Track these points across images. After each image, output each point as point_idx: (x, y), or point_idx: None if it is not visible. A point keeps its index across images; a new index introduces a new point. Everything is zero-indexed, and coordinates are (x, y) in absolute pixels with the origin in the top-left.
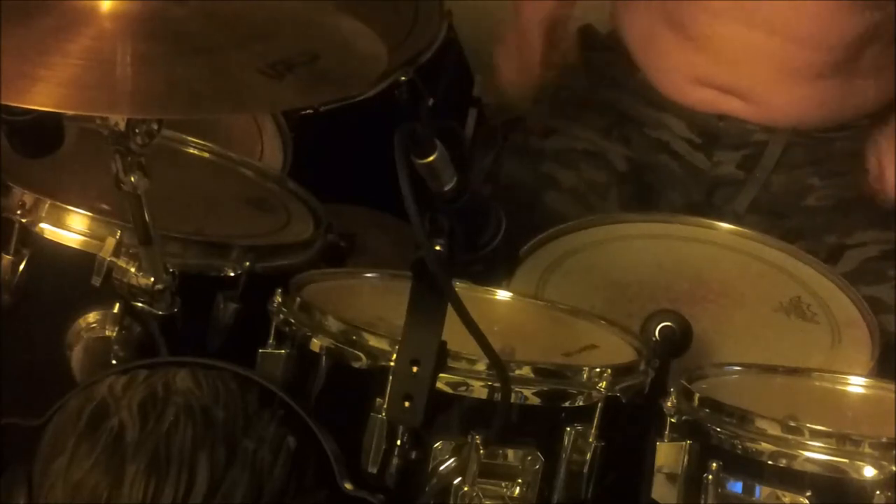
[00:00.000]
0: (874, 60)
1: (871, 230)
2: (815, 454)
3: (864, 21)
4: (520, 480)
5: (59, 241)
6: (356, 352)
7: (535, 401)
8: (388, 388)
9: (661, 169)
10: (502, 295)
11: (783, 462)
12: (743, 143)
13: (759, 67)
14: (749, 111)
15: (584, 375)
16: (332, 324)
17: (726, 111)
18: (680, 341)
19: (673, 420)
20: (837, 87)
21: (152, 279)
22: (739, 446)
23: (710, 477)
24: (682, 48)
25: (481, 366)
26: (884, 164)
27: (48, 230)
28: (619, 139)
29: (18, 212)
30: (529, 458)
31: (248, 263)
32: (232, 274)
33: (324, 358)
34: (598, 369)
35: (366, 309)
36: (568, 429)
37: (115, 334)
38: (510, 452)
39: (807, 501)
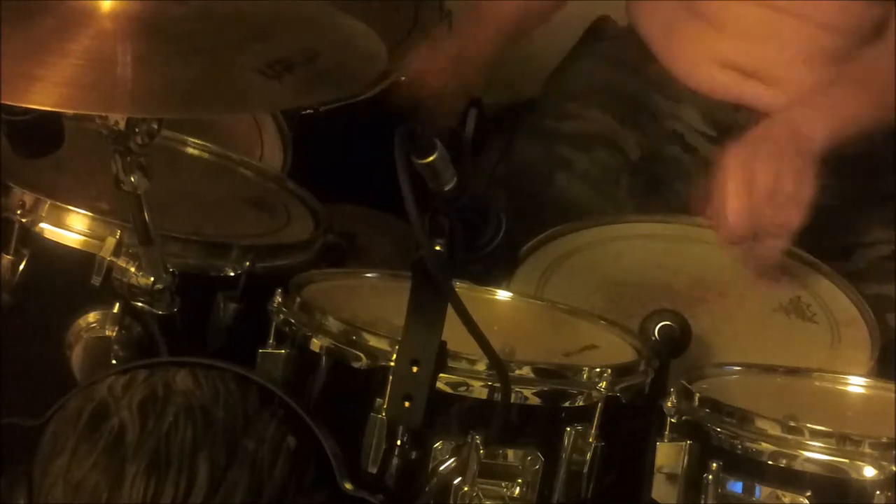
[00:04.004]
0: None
1: (881, 229)
2: (815, 454)
3: (874, 11)
4: (520, 480)
5: (59, 241)
6: (356, 352)
7: (536, 401)
8: (388, 388)
9: (671, 161)
10: (502, 295)
11: (783, 462)
12: None
13: (778, 49)
14: (768, 95)
15: (584, 375)
16: (332, 324)
17: (747, 95)
18: (679, 340)
19: (673, 420)
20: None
21: (152, 279)
22: (739, 446)
23: (710, 477)
24: (705, 33)
25: (481, 366)
26: (727, 191)
27: (48, 230)
28: (633, 127)
29: (18, 212)
30: (529, 458)
31: (248, 263)
32: (232, 274)
33: (324, 358)
34: (598, 369)
35: (366, 309)
36: (568, 429)
37: (115, 334)
38: (510, 452)
39: (807, 501)
